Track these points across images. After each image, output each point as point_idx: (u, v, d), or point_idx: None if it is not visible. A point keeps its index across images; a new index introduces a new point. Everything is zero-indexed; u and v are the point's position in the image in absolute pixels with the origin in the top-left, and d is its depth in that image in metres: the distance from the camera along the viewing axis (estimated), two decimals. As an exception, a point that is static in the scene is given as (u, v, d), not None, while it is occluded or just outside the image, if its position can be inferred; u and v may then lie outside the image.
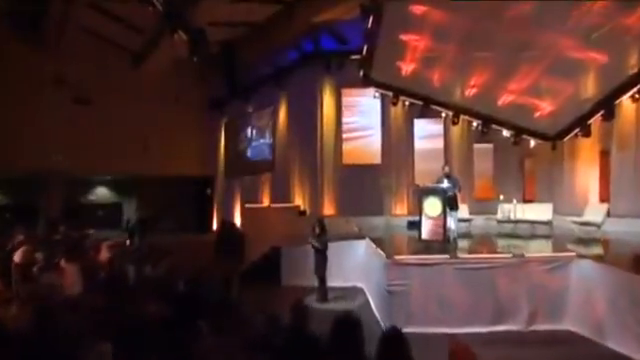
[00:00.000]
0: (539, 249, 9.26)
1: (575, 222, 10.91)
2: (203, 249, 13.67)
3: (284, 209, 13.53)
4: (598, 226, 10.37)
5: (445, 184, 8.53)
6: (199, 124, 19.42)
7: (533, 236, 10.98)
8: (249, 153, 18.19)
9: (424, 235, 8.37)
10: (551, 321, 6.84)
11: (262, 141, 17.55)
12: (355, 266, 9.95)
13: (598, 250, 8.94)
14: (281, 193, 16.25)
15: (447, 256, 7.11)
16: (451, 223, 8.53)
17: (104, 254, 9.81)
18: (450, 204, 8.42)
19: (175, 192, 19.58)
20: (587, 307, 6.56)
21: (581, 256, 7.09)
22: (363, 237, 10.11)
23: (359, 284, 9.80)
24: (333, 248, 10.06)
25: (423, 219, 8.39)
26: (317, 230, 8.85)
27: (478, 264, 7.02)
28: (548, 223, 11.37)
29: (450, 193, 8.44)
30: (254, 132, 18.04)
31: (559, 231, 11.42)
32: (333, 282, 9.87)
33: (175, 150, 18.76)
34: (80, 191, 19.91)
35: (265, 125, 17.55)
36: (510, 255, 7.11)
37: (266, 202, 16.62)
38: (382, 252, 7.49)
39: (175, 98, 17.32)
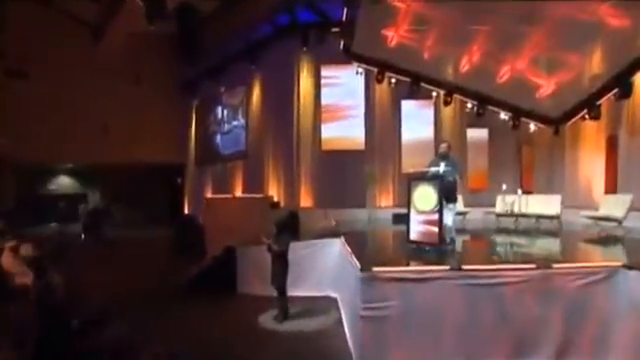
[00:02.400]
0: (558, 252, 6.99)
1: (590, 217, 8.69)
2: (163, 246, 11.31)
3: (252, 200, 11.21)
4: (619, 222, 8.16)
5: (442, 168, 6.23)
6: (169, 107, 16.95)
7: (541, 233, 8.78)
8: (220, 138, 15.88)
9: (413, 235, 6.10)
10: (591, 356, 4.61)
11: (235, 123, 15.18)
12: (328, 271, 7.64)
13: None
14: (255, 182, 14.02)
15: (446, 267, 4.81)
16: (448, 219, 6.24)
17: (14, 258, 7.34)
18: (448, 194, 6.14)
19: (144, 181, 17.14)
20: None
21: (628, 267, 4.84)
22: (339, 235, 7.78)
23: (333, 293, 7.51)
24: (303, 248, 7.82)
25: (412, 214, 6.11)
26: (276, 226, 6.51)
27: (490, 279, 4.75)
28: (556, 218, 9.15)
29: (448, 179, 6.14)
30: (225, 115, 15.68)
31: (568, 227, 9.25)
32: (301, 291, 7.64)
33: (142, 135, 16.34)
34: (37, 181, 17.33)
35: (237, 107, 15.20)
36: (533, 266, 4.83)
37: (238, 192, 14.28)
38: (355, 261, 5.17)
39: (136, 76, 14.75)
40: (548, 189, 12.17)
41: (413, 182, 6.13)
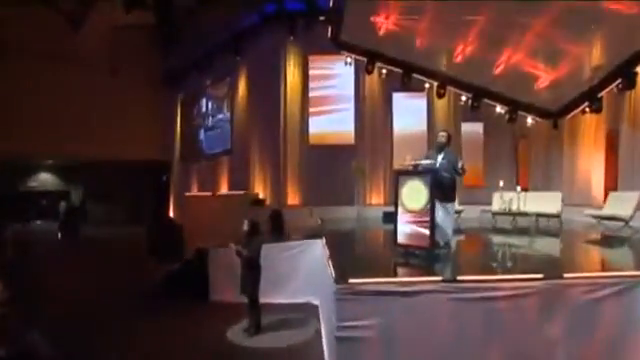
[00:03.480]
0: (565, 257, 6.14)
1: (595, 216, 7.87)
2: (138, 247, 10.39)
3: (233, 198, 10.32)
4: (626, 221, 7.34)
5: (438, 160, 5.35)
6: (153, 101, 16.01)
7: (541, 233, 7.96)
8: (205, 133, 14.92)
9: (401, 238, 5.23)
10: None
11: (220, 117, 14.23)
12: (310, 275, 6.78)
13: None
14: (240, 179, 13.10)
15: (438, 278, 3.95)
16: (445, 220, 5.36)
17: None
18: (444, 192, 5.27)
19: (128, 179, 16.17)
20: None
21: (651, 276, 4.00)
22: (321, 235, 6.92)
23: (314, 300, 6.64)
24: (283, 251, 6.98)
25: (400, 214, 5.25)
26: (246, 228, 5.64)
27: (490, 291, 3.90)
28: (557, 216, 8.32)
29: (444, 174, 5.26)
30: (210, 109, 14.74)
31: (569, 226, 8.46)
32: (279, 297, 6.83)
33: (125, 131, 15.37)
34: (17, 177, 16.32)
35: (222, 100, 14.28)
36: (540, 276, 3.97)
37: (224, 189, 13.37)
38: (331, 269, 4.30)
39: (118, 69, 13.80)
40: (545, 186, 11.52)
41: (401, 177, 5.25)
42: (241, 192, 11.19)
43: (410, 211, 5.15)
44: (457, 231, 7.71)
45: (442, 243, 5.43)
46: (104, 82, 14.69)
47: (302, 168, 12.42)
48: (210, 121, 14.70)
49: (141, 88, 15.48)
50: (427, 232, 4.96)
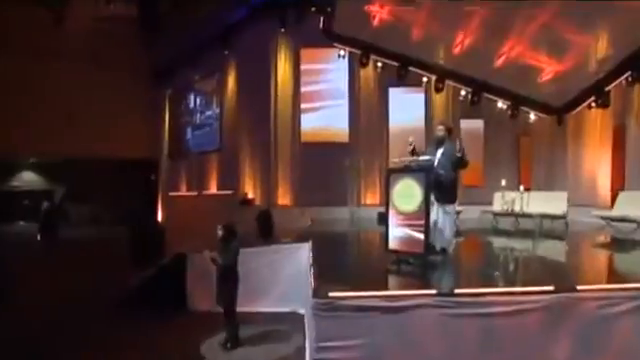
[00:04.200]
0: (575, 263, 5.62)
1: (604, 217, 7.38)
2: (119, 249, 9.86)
3: (220, 198, 9.82)
4: (638, 223, 6.85)
5: (437, 156, 4.85)
6: (140, 97, 15.46)
7: (546, 235, 7.49)
8: (193, 130, 14.39)
9: (393, 243, 4.73)
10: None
11: (208, 114, 13.72)
12: (295, 282, 6.27)
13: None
14: (229, 178, 12.58)
15: (432, 292, 3.44)
16: (445, 223, 4.84)
17: None
18: (444, 191, 4.76)
19: (114, 178, 15.62)
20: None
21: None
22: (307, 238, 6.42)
23: (300, 309, 6.13)
24: (268, 254, 6.50)
25: (392, 216, 4.75)
26: (220, 233, 5.14)
27: (493, 307, 3.40)
28: (562, 218, 7.84)
29: (442, 172, 4.74)
30: (198, 105, 14.22)
31: (575, 228, 7.99)
32: (263, 305, 6.35)
33: (111, 128, 14.82)
34: (-1, 176, 15.81)
35: (211, 96, 13.76)
36: (550, 288, 3.47)
37: (213, 189, 12.85)
38: (311, 279, 3.81)
39: (103, 64, 13.29)
40: (548, 185, 11.12)
41: (393, 175, 4.75)
42: (228, 192, 10.66)
43: (403, 213, 4.65)
44: (456, 233, 7.24)
45: (438, 248, 4.92)
46: (88, 77, 14.16)
47: (294, 167, 11.93)
48: (198, 118, 14.19)
49: (128, 83, 14.95)
50: (421, 237, 4.45)
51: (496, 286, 3.67)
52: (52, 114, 13.84)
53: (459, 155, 4.73)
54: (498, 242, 7.13)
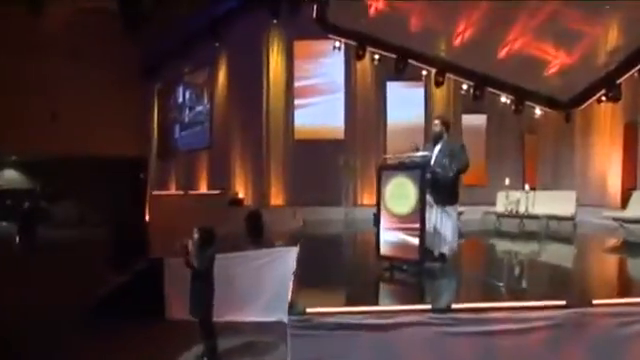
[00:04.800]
0: (589, 272, 5.14)
1: (616, 219, 6.97)
2: (101, 252, 9.47)
3: (208, 198, 9.44)
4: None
5: (435, 152, 4.43)
6: (128, 92, 14.93)
7: (553, 238, 7.09)
8: (182, 127, 14.03)
9: (385, 249, 4.32)
10: None
11: (198, 110, 13.32)
12: (283, 289, 5.84)
13: None
14: (220, 177, 12.21)
15: (426, 306, 3.03)
16: (446, 227, 4.40)
17: None
18: (444, 192, 4.34)
19: (100, 176, 15.17)
20: None
21: None
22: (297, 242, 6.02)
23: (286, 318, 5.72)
24: (253, 259, 6.14)
25: (383, 219, 4.34)
26: (196, 237, 4.74)
27: (495, 324, 2.99)
28: (571, 219, 7.43)
29: (439, 171, 4.32)
30: (187, 100, 13.85)
31: (584, 230, 7.59)
32: (247, 314, 6.00)
33: (98, 124, 14.34)
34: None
35: (200, 92, 13.40)
36: (562, 303, 3.05)
37: (203, 188, 12.47)
38: (289, 293, 3.41)
39: (74, 54, 12.87)
40: (555, 184, 10.82)
41: (385, 173, 4.33)
42: (216, 191, 10.26)
43: (396, 215, 4.23)
44: (458, 236, 6.83)
45: (437, 254, 4.50)
46: (72, 72, 13.70)
47: (287, 165, 11.58)
48: (188, 114, 13.81)
49: (115, 78, 14.48)
50: (416, 241, 4.04)
51: (500, 300, 3.25)
52: (35, 111, 13.41)
53: (455, 167, 4.32)
54: (501, 246, 6.72)
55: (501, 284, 3.68)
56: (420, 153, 4.42)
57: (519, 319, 3.03)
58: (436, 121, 4.65)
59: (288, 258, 5.95)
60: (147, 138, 15.47)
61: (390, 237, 4.28)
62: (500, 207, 8.10)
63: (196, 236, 4.78)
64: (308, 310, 2.98)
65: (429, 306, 3.06)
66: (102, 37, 13.73)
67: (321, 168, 11.07)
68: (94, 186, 15.03)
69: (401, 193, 4.17)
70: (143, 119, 15.41)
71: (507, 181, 7.82)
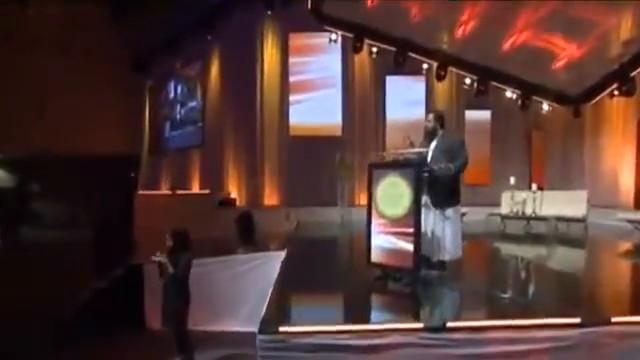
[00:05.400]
0: (607, 284, 4.70)
1: (631, 221, 6.58)
2: (84, 254, 9.14)
3: (197, 198, 9.09)
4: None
5: (430, 148, 4.06)
6: (118, 87, 14.57)
7: (562, 242, 6.69)
8: (174, 123, 13.72)
9: (376, 255, 3.96)
10: None
11: (190, 105, 13.01)
12: (266, 297, 5.51)
13: None
14: (213, 176, 11.89)
15: (418, 325, 2.66)
16: (445, 232, 3.99)
17: None
18: (443, 193, 3.96)
19: (92, 175, 14.86)
20: None
21: None
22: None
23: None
24: (237, 265, 5.79)
25: (374, 222, 3.98)
26: (169, 243, 4.40)
27: (498, 345, 2.61)
28: (582, 221, 7.05)
29: (435, 169, 3.93)
30: (179, 96, 13.52)
31: (595, 233, 7.21)
32: (228, 325, 5.55)
33: (89, 121, 14.03)
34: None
35: (193, 87, 13.08)
36: (576, 321, 2.68)
37: (195, 188, 12.14)
38: (263, 308, 3.06)
39: (63, 48, 12.58)
40: (563, 184, 10.46)
41: (376, 171, 3.97)
42: (205, 191, 9.93)
43: (387, 218, 3.87)
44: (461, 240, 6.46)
45: (435, 260, 4.12)
46: (61, 66, 13.40)
47: (281, 163, 11.25)
48: (180, 110, 13.49)
49: (105, 73, 14.18)
50: (410, 247, 3.67)
51: (503, 316, 2.87)
52: (20, 106, 13.12)
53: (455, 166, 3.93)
54: (506, 250, 6.35)
55: (505, 295, 3.30)
56: (415, 150, 4.05)
57: (526, 339, 2.66)
58: (429, 116, 4.25)
59: (275, 264, 5.60)
60: (139, 135, 15.15)
61: (382, 242, 3.91)
62: (505, 208, 7.75)
63: (169, 243, 4.44)
64: (282, 329, 2.62)
65: (421, 324, 2.69)
66: (91, 29, 13.44)
67: (318, 166, 10.76)
68: (83, 185, 14.74)
69: (394, 194, 3.80)
70: (134, 115, 15.08)
71: (512, 180, 7.48)
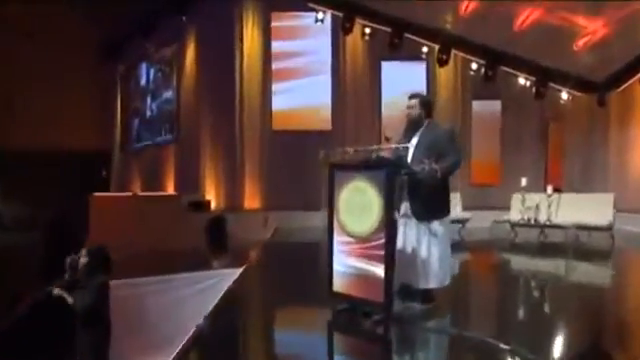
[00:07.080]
0: None
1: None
2: (36, 261, 8.51)
3: (160, 200, 8.41)
4: None
5: (412, 143, 3.32)
6: (88, 76, 14.06)
7: (585, 255, 5.93)
8: (146, 117, 13.22)
9: (338, 283, 3.19)
10: None
11: (165, 96, 12.50)
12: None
13: None
14: (188, 175, 11.35)
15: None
16: (429, 251, 3.18)
17: None
18: (423, 200, 3.19)
19: (59, 174, 14.34)
20: None
21: None
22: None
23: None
24: (182, 287, 4.99)
25: (336, 239, 3.22)
26: (84, 260, 3.66)
27: None
28: (608, 229, 6.31)
29: (418, 169, 3.14)
30: (152, 84, 12.99)
31: (624, 243, 6.48)
32: None
33: (55, 114, 13.52)
34: None
35: (166, 76, 12.56)
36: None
37: (170, 188, 11.54)
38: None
39: (28, 33, 12.02)
40: (585, 185, 10.00)
41: (338, 174, 3.20)
42: (172, 192, 9.27)
43: (353, 235, 3.09)
44: (458, 247, 5.70)
45: (420, 287, 3.32)
46: (25, 53, 12.85)
47: (264, 160, 10.66)
48: (152, 101, 12.95)
49: (73, 59, 13.62)
50: (380, 273, 2.90)
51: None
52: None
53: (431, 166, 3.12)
54: (517, 265, 5.58)
55: (510, 348, 2.52)
56: (392, 145, 3.29)
57: None
58: (412, 101, 3.47)
59: (226, 286, 4.88)
60: (110, 129, 14.59)
61: (345, 267, 3.14)
62: (514, 214, 7.03)
63: (83, 260, 3.71)
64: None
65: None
66: (56, 13, 12.89)
67: (303, 164, 10.09)
68: (48, 184, 14.22)
69: (360, 203, 3.03)
70: (105, 107, 14.52)
71: (524, 181, 6.78)
